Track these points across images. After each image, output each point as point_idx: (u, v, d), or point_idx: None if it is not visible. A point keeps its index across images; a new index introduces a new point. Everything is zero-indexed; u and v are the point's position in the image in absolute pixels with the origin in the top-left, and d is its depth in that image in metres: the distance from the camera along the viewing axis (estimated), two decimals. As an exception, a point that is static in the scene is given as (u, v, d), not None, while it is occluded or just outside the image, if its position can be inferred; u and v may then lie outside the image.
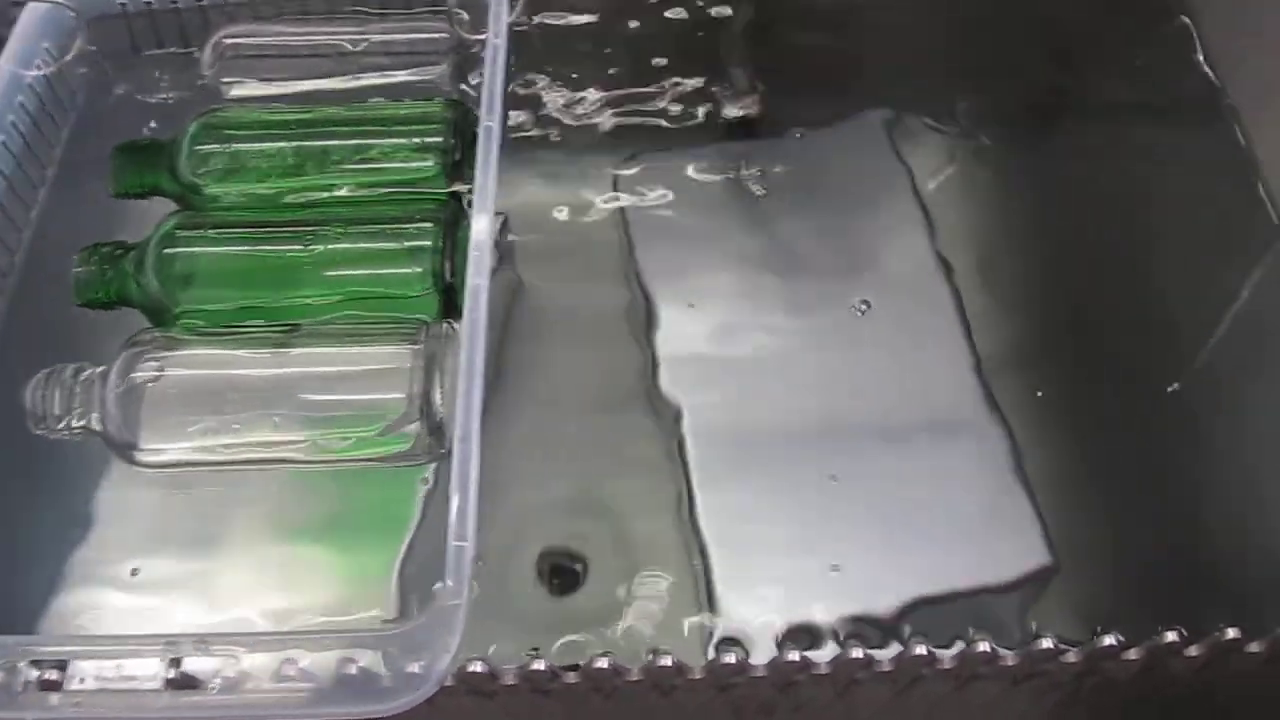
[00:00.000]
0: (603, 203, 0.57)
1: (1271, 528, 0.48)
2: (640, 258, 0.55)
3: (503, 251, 0.56)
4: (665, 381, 0.52)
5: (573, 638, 0.45)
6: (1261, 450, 0.49)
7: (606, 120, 0.60)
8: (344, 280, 0.49)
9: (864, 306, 0.53)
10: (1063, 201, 0.56)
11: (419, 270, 0.49)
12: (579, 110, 0.60)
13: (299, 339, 0.48)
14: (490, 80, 0.51)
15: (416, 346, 0.47)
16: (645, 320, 0.53)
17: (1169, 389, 0.50)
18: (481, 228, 0.47)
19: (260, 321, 0.48)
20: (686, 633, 0.45)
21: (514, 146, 0.58)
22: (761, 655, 0.44)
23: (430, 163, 0.52)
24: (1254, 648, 0.43)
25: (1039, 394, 0.50)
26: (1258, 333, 0.52)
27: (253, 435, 0.46)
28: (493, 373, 0.51)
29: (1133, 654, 0.44)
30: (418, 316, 0.48)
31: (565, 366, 0.53)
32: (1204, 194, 0.56)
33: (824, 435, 0.50)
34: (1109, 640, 0.43)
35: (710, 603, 0.46)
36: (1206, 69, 0.59)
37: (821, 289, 0.54)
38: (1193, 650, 0.44)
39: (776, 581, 0.46)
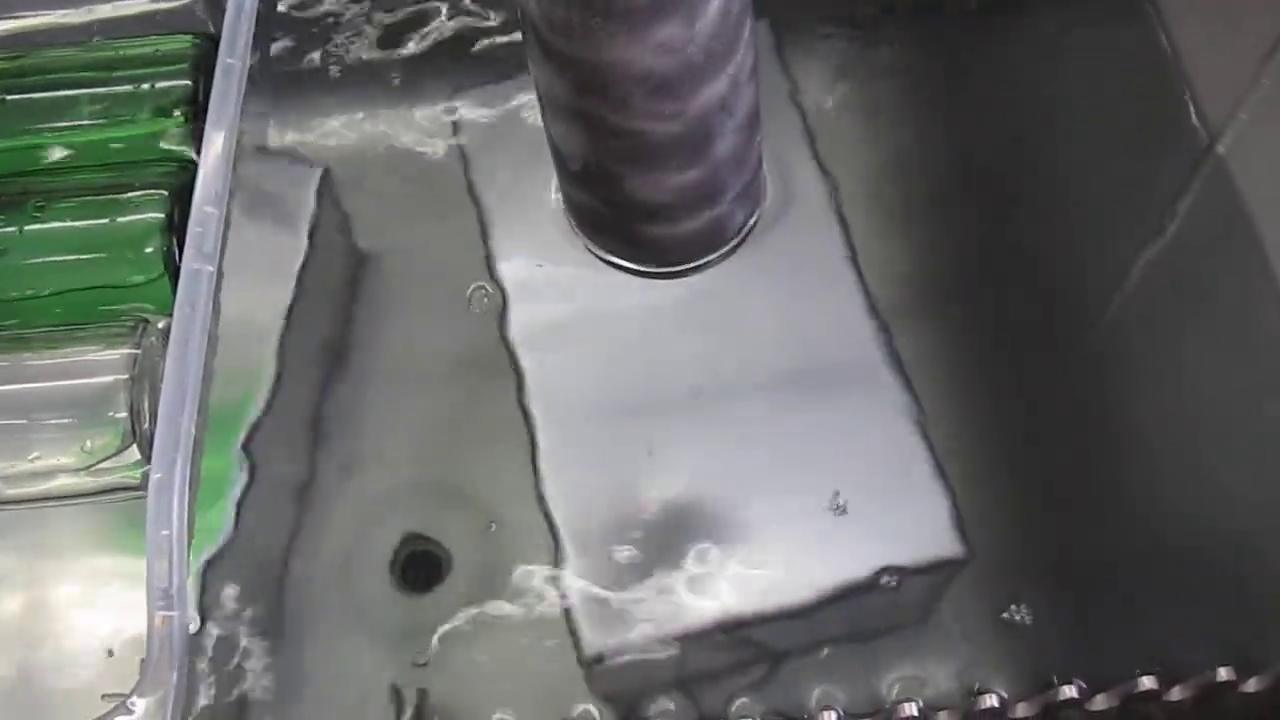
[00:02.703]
0: (439, 146, 0.48)
1: (1217, 499, 0.40)
2: (486, 207, 0.47)
3: (328, 212, 0.46)
4: (520, 349, 0.43)
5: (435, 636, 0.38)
6: (1200, 408, 0.41)
7: (433, 47, 0.50)
8: (45, 270, 0.39)
9: (740, 245, 0.44)
10: (973, 116, 0.48)
11: (147, 251, 0.39)
12: (397, 37, 0.50)
13: (-12, 347, 0.38)
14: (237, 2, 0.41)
15: (133, 351, 0.37)
16: (496, 278, 0.45)
17: (1091, 338, 0.43)
18: (205, 196, 0.37)
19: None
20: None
21: (325, 84, 0.48)
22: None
23: (175, 114, 0.42)
24: (1250, 685, 0.36)
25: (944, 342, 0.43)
26: (1191, 268, 0.44)
27: (-75, 474, 0.36)
28: (337, 351, 0.43)
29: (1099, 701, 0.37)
30: (141, 310, 0.39)
31: (414, 339, 0.44)
32: (1125, 102, 0.47)
33: (696, 398, 0.42)
34: (1069, 691, 0.36)
35: (568, 619, 0.38)
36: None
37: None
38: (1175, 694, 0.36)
39: (639, 568, 0.39)
